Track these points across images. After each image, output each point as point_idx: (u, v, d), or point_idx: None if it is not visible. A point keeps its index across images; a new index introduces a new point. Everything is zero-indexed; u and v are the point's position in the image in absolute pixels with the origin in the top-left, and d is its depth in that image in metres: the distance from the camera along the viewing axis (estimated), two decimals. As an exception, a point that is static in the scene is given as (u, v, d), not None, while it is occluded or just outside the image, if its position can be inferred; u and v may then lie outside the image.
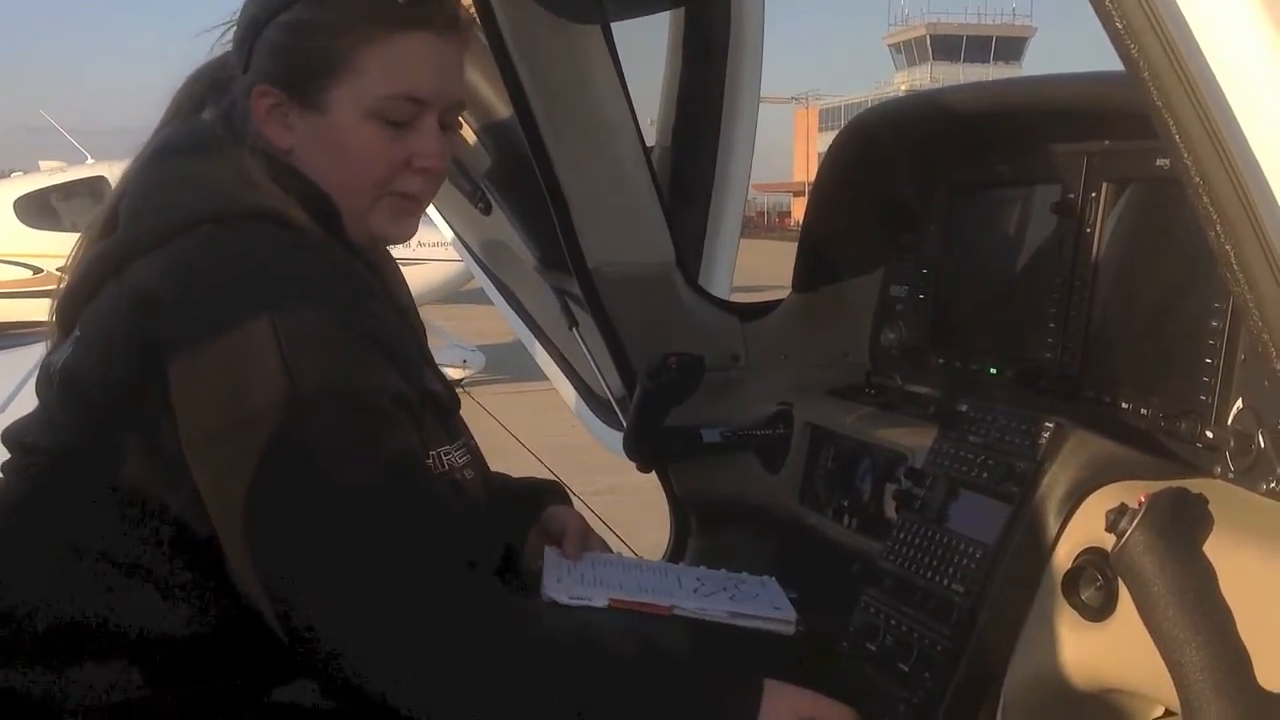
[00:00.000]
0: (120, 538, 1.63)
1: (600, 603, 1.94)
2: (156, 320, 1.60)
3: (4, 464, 1.77)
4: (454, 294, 13.95)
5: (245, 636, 1.61)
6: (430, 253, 11.19)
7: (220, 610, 1.62)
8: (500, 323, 3.73)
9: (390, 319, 1.75)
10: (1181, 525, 1.46)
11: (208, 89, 1.85)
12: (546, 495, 2.24)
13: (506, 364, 11.86)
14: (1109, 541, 1.53)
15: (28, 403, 1.81)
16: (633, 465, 2.77)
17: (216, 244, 1.65)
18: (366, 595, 1.56)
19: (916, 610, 1.85)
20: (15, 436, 1.76)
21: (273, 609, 1.57)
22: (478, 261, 3.30)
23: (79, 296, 1.74)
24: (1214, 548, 1.48)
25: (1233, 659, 1.38)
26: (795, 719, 1.71)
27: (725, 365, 2.71)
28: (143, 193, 1.77)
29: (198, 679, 1.64)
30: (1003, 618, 1.74)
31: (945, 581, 1.82)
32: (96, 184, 14.26)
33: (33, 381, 1.80)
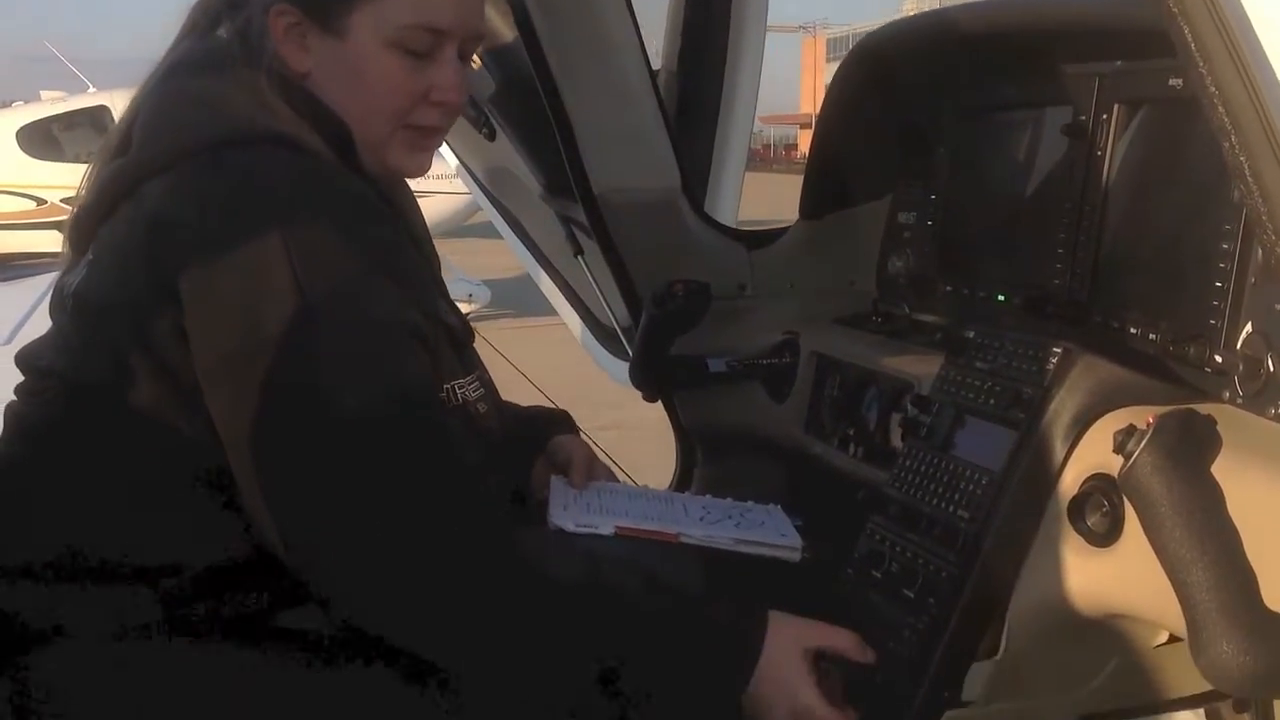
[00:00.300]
0: (133, 463, 1.62)
1: (606, 531, 1.94)
2: (170, 242, 1.59)
3: (17, 387, 1.76)
4: (459, 228, 13.90)
5: (256, 563, 1.61)
6: (435, 185, 11.14)
7: (231, 537, 1.62)
8: (505, 258, 3.71)
9: (404, 248, 1.73)
10: (1189, 446, 1.45)
11: (224, 5, 1.80)
12: (553, 424, 2.23)
13: (512, 299, 11.85)
14: (1116, 467, 1.53)
15: (34, 333, 1.80)
16: (639, 401, 2.76)
17: (230, 166, 1.63)
18: (370, 527, 1.56)
19: (922, 537, 1.85)
20: (28, 360, 1.75)
21: (280, 537, 1.57)
22: (482, 189, 3.28)
23: (93, 217, 1.73)
24: (1222, 471, 1.47)
25: (1239, 579, 1.38)
26: (800, 649, 1.72)
27: (731, 294, 2.69)
28: (156, 112, 1.74)
29: (208, 604, 1.64)
30: (1008, 544, 1.74)
31: (951, 508, 1.82)
32: (98, 114, 14.14)
33: (39, 312, 1.79)
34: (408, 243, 1.78)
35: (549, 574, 1.65)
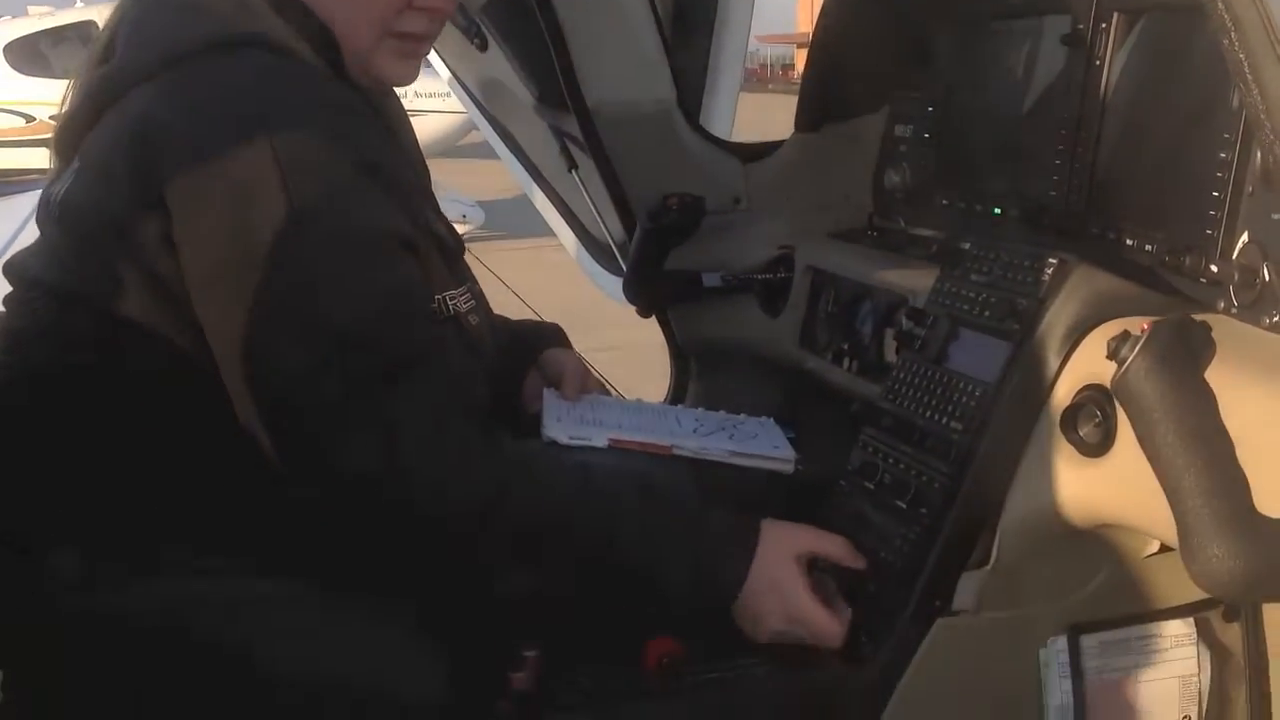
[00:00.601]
0: (122, 372, 1.62)
1: (600, 442, 1.94)
2: (155, 149, 1.57)
3: (5, 297, 1.75)
4: (452, 148, 13.78)
5: (244, 472, 1.61)
6: (428, 104, 11.01)
7: (224, 445, 1.61)
8: (500, 178, 3.66)
9: (392, 156, 1.71)
10: (1184, 352, 1.45)
11: None
12: (545, 338, 2.22)
13: (506, 220, 11.77)
14: (1109, 377, 1.53)
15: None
16: (635, 322, 2.76)
17: (215, 71, 1.61)
18: (361, 435, 1.56)
19: (915, 449, 1.85)
20: (16, 269, 1.74)
21: (273, 447, 1.57)
22: (475, 102, 3.23)
23: (78, 125, 1.71)
24: (1215, 380, 1.47)
25: (1231, 484, 1.38)
26: (793, 554, 1.74)
27: (726, 208, 2.67)
28: (141, 18, 1.72)
29: (199, 512, 1.64)
30: (1000, 454, 1.74)
31: (944, 420, 1.82)
32: (86, 28, 13.91)
33: (29, 229, 1.78)
34: (397, 151, 1.76)
35: (540, 481, 1.66)
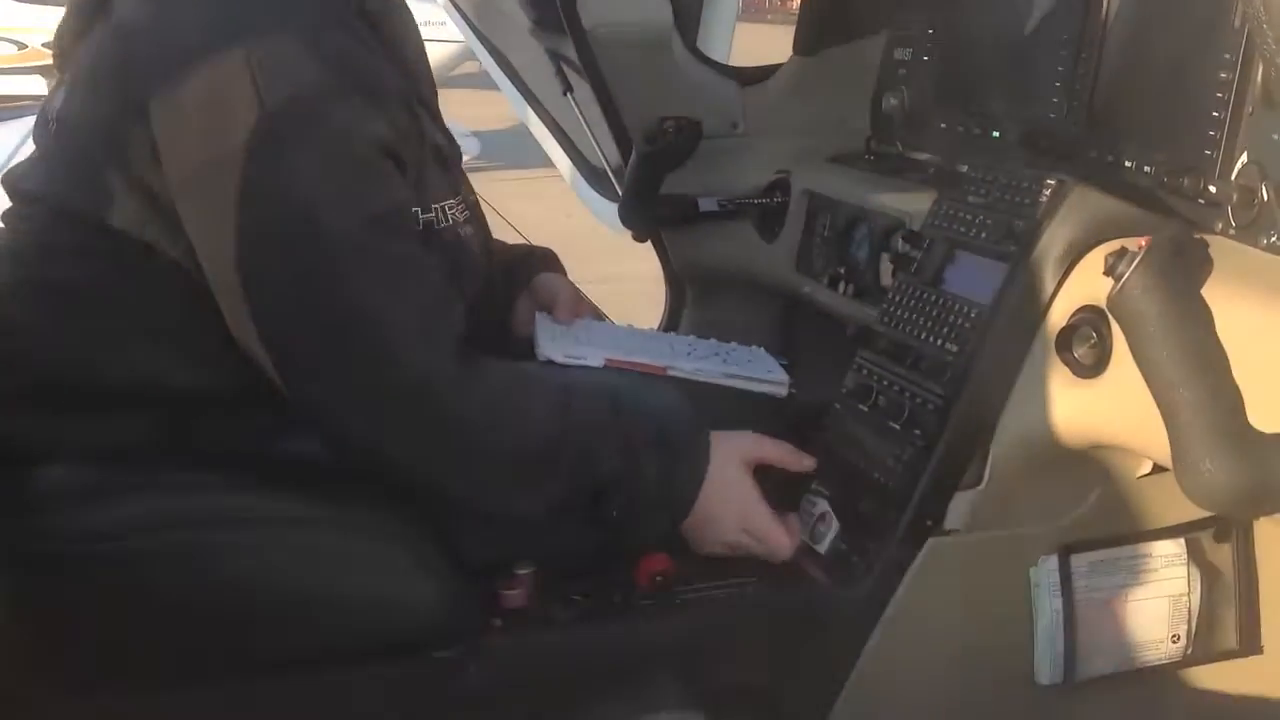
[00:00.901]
0: (119, 287, 1.62)
1: (596, 362, 1.93)
2: (135, 55, 1.56)
3: (4, 213, 1.74)
4: (448, 79, 13.64)
5: (246, 387, 1.61)
6: (424, 33, 10.86)
7: (221, 361, 1.61)
8: (496, 108, 3.63)
9: (377, 63, 1.68)
10: (1181, 268, 1.44)
11: None
12: (538, 262, 2.20)
13: (502, 151, 11.68)
14: (1105, 299, 1.53)
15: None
16: (631, 254, 2.73)
17: None
18: (341, 353, 1.56)
19: (909, 371, 1.85)
20: (14, 183, 1.73)
21: (262, 355, 1.57)
22: (471, 28, 3.19)
23: (71, 37, 1.71)
24: (1213, 299, 1.47)
25: (1226, 399, 1.38)
26: (741, 460, 1.76)
27: (723, 132, 2.64)
28: None
29: (200, 428, 1.64)
30: (995, 376, 1.74)
31: (939, 342, 1.81)
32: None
33: (24, 150, 1.77)
34: (387, 59, 1.73)
35: (522, 395, 1.66)
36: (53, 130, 1.69)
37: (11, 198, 1.73)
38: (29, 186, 1.70)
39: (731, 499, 1.74)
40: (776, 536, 1.77)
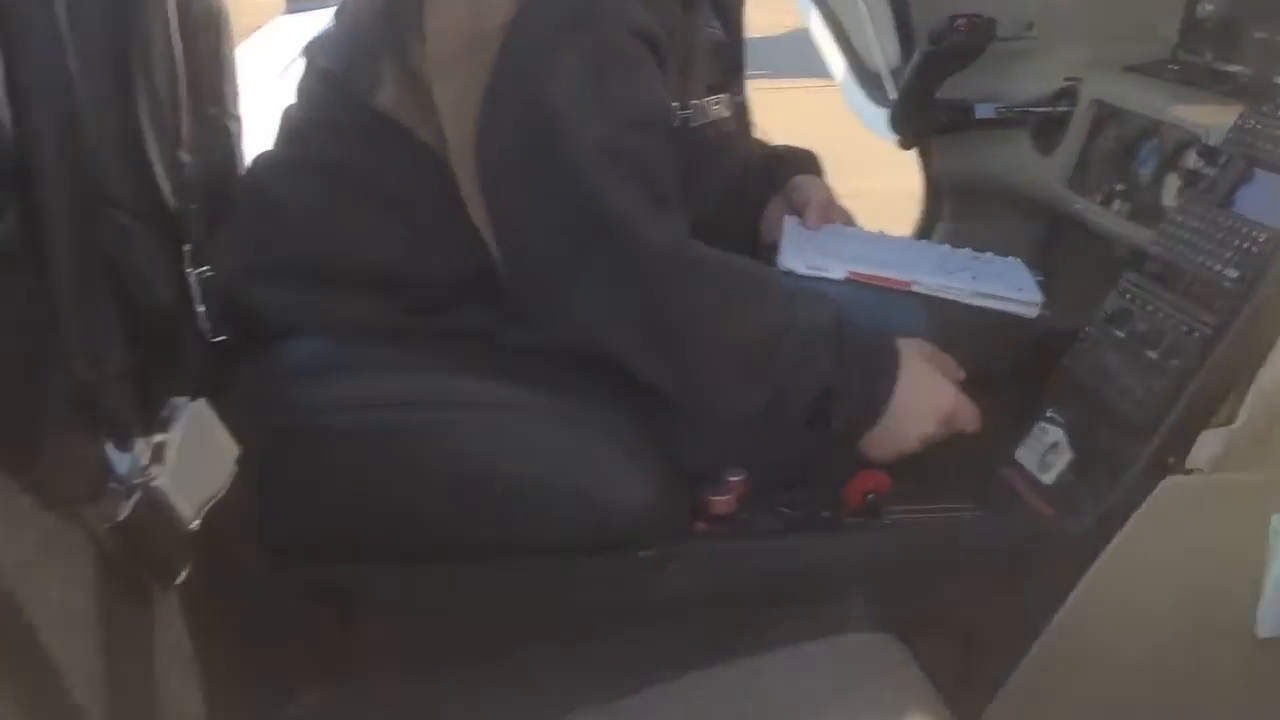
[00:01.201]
0: (378, 170, 1.63)
1: (837, 275, 1.82)
2: None
3: (298, 84, 1.77)
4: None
5: (483, 275, 1.59)
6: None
7: (463, 249, 1.59)
8: (770, 15, 3.52)
9: None
10: None
11: None
12: (795, 163, 2.08)
13: (768, 60, 11.50)
14: None
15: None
16: (886, 171, 2.58)
17: None
18: (571, 238, 1.52)
19: (1178, 296, 1.65)
20: (310, 53, 1.76)
21: (497, 247, 1.55)
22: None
23: None
24: None
25: None
26: (923, 355, 1.64)
27: (1016, 33, 2.44)
28: None
29: (436, 314, 1.64)
30: (1274, 306, 1.53)
31: (1218, 266, 1.61)
32: None
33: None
34: None
35: (742, 298, 1.59)
36: (342, 9, 1.71)
37: (305, 69, 1.76)
38: (318, 60, 1.73)
39: (931, 394, 1.62)
40: (970, 411, 1.64)
